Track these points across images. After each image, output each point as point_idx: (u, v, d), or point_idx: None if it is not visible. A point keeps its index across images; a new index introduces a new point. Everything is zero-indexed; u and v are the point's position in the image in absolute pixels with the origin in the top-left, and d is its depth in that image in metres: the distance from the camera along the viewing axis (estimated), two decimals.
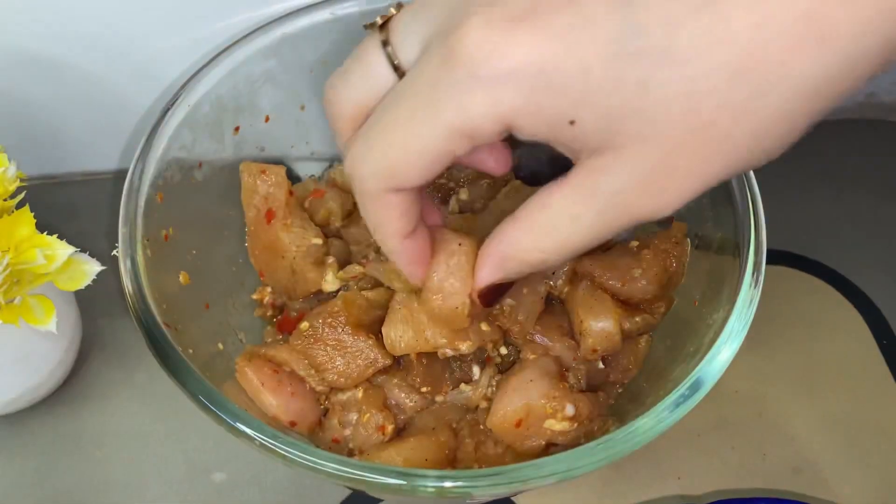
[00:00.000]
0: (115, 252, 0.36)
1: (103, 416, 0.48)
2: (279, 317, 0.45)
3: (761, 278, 0.36)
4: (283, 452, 0.31)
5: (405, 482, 0.30)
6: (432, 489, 0.30)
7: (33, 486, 0.46)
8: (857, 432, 0.48)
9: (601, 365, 0.42)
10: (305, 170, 0.51)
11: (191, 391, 0.33)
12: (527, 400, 0.37)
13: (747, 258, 0.36)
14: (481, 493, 0.31)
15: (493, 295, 0.33)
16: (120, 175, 0.54)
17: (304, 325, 0.40)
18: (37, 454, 0.47)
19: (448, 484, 0.30)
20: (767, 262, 0.54)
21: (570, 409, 0.37)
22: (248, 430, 0.31)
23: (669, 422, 0.32)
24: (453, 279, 0.34)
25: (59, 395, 0.49)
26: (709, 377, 0.33)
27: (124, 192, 0.38)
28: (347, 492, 0.45)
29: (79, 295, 0.48)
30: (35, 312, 0.41)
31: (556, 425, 0.37)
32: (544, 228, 0.28)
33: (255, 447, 0.31)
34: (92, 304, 0.50)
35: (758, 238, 0.37)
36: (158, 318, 0.34)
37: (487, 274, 0.32)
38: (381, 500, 0.45)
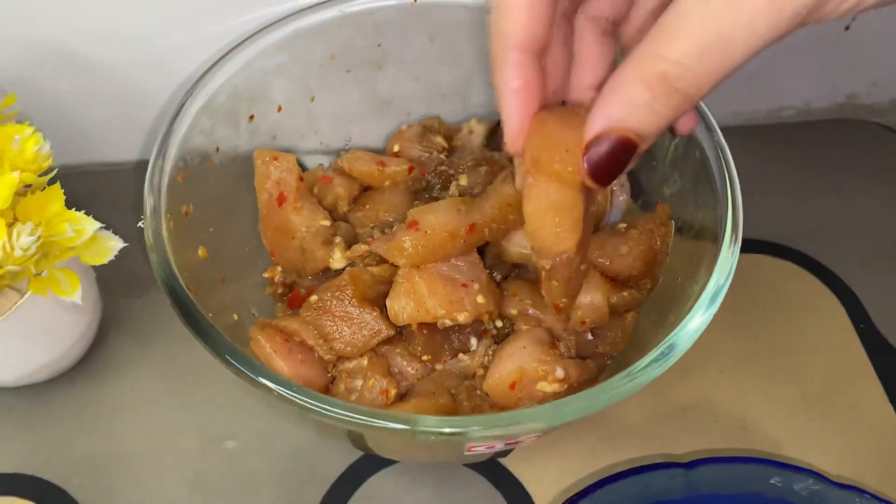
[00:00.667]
0: (140, 223, 0.39)
1: (121, 388, 0.51)
2: (289, 294, 0.48)
3: (738, 242, 0.38)
4: (298, 401, 0.33)
5: (408, 426, 0.33)
6: (433, 432, 0.32)
7: (54, 453, 0.48)
8: (835, 409, 0.51)
9: (590, 336, 0.44)
10: (314, 161, 0.54)
11: (214, 348, 0.35)
12: (520, 363, 0.40)
13: (725, 225, 0.39)
14: (477, 436, 0.33)
15: (607, 162, 0.27)
16: (140, 165, 0.58)
17: (314, 298, 0.43)
18: (58, 423, 0.49)
19: (447, 430, 0.33)
20: (750, 251, 0.58)
21: (560, 372, 0.40)
22: (267, 382, 0.34)
23: (649, 376, 0.34)
24: (564, 131, 0.29)
25: (80, 368, 0.51)
26: (686, 336, 0.36)
27: (150, 166, 0.40)
28: (352, 459, 0.48)
29: (100, 277, 0.51)
30: (62, 285, 0.43)
31: (547, 387, 0.40)
32: (670, 27, 0.24)
33: (273, 398, 0.34)
34: (112, 286, 0.53)
35: (734, 210, 0.39)
36: (182, 281, 0.37)
37: (603, 114, 0.26)
38: (386, 466, 0.48)
